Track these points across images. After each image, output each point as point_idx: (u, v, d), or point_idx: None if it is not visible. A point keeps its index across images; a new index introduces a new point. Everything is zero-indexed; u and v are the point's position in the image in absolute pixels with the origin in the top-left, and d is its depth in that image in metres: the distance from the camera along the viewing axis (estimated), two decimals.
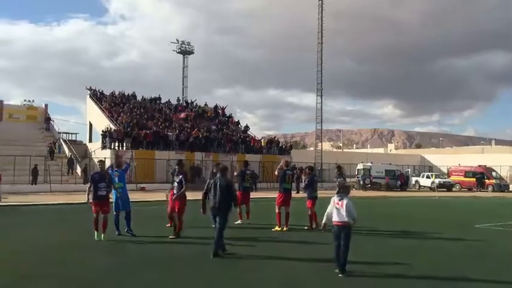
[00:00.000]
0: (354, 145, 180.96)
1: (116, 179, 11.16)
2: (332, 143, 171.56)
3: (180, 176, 10.96)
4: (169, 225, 11.66)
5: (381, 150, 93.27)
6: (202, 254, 8.98)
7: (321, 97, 46.96)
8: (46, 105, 44.45)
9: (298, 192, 29.49)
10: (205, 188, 9.47)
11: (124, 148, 34.26)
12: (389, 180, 39.26)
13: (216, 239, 8.81)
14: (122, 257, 8.98)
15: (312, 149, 65.65)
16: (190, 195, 11.22)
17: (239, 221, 13.54)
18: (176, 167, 11.45)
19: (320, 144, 49.49)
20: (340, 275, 7.38)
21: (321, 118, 47.53)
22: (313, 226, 12.69)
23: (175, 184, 10.92)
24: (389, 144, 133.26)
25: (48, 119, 41.48)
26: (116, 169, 11.56)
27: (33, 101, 45.87)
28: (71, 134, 44.81)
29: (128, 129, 36.09)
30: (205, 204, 9.41)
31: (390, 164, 43.57)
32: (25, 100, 46.34)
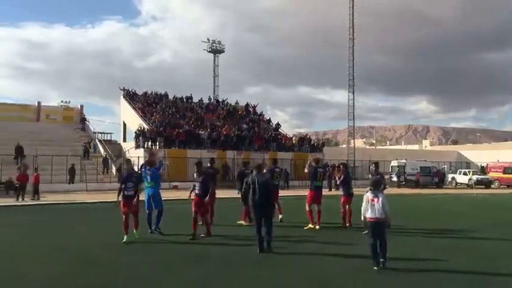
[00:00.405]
0: (388, 142, 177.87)
1: (149, 178, 11.16)
2: (364, 140, 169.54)
3: (202, 177, 10.80)
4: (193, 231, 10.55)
5: (415, 147, 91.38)
6: (234, 252, 8.93)
7: (353, 93, 46.45)
8: (81, 106, 45.56)
9: (330, 190, 29.20)
10: (244, 186, 9.46)
11: (157, 147, 34.67)
12: (419, 177, 38.28)
13: (268, 235, 9.02)
14: (157, 255, 8.99)
15: (344, 146, 64.89)
16: (219, 193, 11.19)
17: (280, 216, 13.42)
18: (195, 167, 11.18)
19: (352, 141, 48.89)
20: (375, 268, 7.48)
21: (353, 115, 46.98)
22: (347, 224, 12.48)
23: (197, 185, 10.74)
24: (423, 141, 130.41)
25: (83, 120, 42.44)
26: (148, 168, 11.48)
27: (69, 102, 47.18)
28: (107, 134, 45.81)
29: (161, 128, 36.53)
30: (248, 200, 9.56)
31: (425, 160, 42.56)
32: (62, 101, 47.70)
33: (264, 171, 13.77)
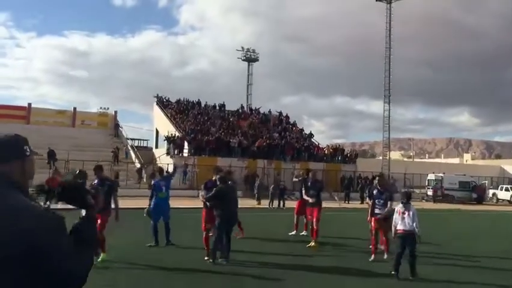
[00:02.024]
0: (427, 155, 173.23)
1: (164, 188, 10.57)
2: (402, 152, 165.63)
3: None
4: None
5: (456, 161, 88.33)
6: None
7: (389, 104, 45.17)
8: (115, 112, 46.19)
9: (362, 203, 28.20)
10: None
11: (187, 154, 34.58)
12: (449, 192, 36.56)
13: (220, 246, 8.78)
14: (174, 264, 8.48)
15: (380, 158, 63.30)
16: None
17: (293, 232, 12.87)
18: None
19: (388, 153, 47.54)
20: (392, 272, 7.90)
21: (389, 126, 45.66)
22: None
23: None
24: (465, 154, 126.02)
25: (116, 126, 42.99)
26: (161, 177, 10.83)
27: (108, 108, 47.80)
28: (143, 140, 46.37)
29: (192, 135, 36.46)
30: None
31: (464, 175, 40.71)
32: (101, 108, 48.38)
33: (295, 179, 13.84)
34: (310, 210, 11.38)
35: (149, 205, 10.44)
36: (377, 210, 9.56)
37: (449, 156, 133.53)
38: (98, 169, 8.99)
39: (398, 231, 7.88)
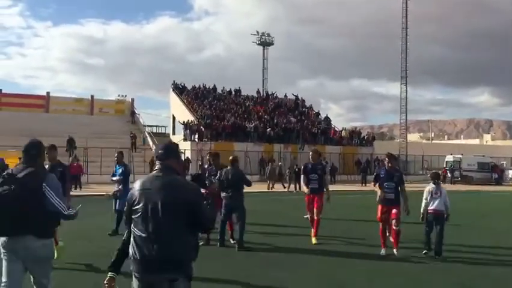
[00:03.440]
0: (446, 136, 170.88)
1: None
2: (421, 134, 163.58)
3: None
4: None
5: (476, 142, 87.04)
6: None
7: (406, 85, 44.62)
8: (132, 99, 46.51)
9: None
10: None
11: (204, 140, 34.80)
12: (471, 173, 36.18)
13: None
14: None
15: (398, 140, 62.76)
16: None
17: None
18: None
19: (406, 135, 47.13)
20: (424, 251, 8.10)
21: (406, 107, 45.21)
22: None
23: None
24: (484, 135, 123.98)
25: (133, 113, 43.37)
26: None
27: (125, 96, 48.18)
28: (160, 127, 46.69)
29: (208, 121, 36.63)
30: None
31: (483, 156, 40.18)
32: (118, 95, 48.83)
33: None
34: (310, 197, 9.40)
35: None
36: (389, 195, 8.07)
37: (469, 138, 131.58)
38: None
39: (430, 211, 8.00)
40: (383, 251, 8.11)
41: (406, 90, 44.73)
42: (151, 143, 38.32)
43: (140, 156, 34.06)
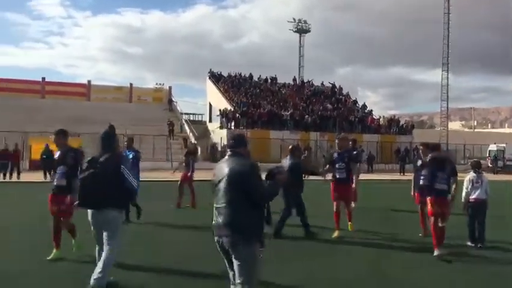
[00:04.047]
0: (490, 125, 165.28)
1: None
2: (463, 122, 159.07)
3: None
4: None
5: None
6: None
7: (447, 72, 43.26)
8: (170, 87, 47.25)
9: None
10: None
11: (240, 127, 34.94)
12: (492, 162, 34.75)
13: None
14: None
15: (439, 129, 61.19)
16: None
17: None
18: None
19: (447, 123, 45.86)
20: (480, 245, 7.77)
21: (447, 95, 43.94)
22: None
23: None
24: None
25: (170, 100, 44.01)
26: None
27: (163, 84, 48.95)
28: (197, 114, 47.22)
29: (244, 109, 36.72)
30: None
31: None
32: (156, 83, 49.69)
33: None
34: (338, 187, 8.76)
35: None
36: (439, 186, 7.21)
37: None
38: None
39: (471, 201, 7.84)
40: (436, 251, 7.11)
41: (447, 77, 43.43)
42: (188, 130, 38.82)
43: (177, 143, 34.56)
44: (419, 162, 8.59)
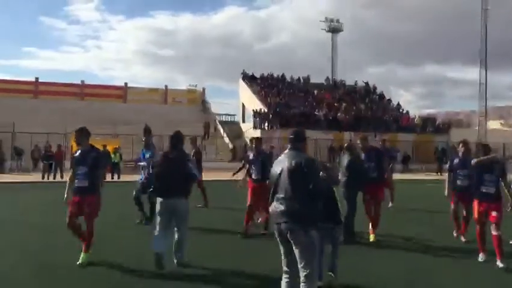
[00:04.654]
0: None
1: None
2: (502, 121, 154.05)
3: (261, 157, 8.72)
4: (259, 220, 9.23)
5: None
6: None
7: (486, 70, 42.14)
8: (203, 89, 47.93)
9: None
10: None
11: (273, 128, 35.06)
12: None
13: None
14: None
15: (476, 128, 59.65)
16: None
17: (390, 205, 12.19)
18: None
19: (485, 122, 44.69)
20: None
21: (485, 93, 42.81)
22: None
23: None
24: None
25: (203, 102, 44.58)
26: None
27: (196, 85, 49.71)
28: (230, 115, 47.70)
29: (277, 109, 36.82)
30: None
31: None
32: (190, 85, 50.50)
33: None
34: (370, 188, 8.36)
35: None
36: (485, 189, 6.72)
37: None
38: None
39: None
40: (481, 256, 6.87)
41: (486, 75, 42.31)
42: (221, 131, 39.23)
43: (211, 144, 35.02)
44: (456, 161, 8.25)
